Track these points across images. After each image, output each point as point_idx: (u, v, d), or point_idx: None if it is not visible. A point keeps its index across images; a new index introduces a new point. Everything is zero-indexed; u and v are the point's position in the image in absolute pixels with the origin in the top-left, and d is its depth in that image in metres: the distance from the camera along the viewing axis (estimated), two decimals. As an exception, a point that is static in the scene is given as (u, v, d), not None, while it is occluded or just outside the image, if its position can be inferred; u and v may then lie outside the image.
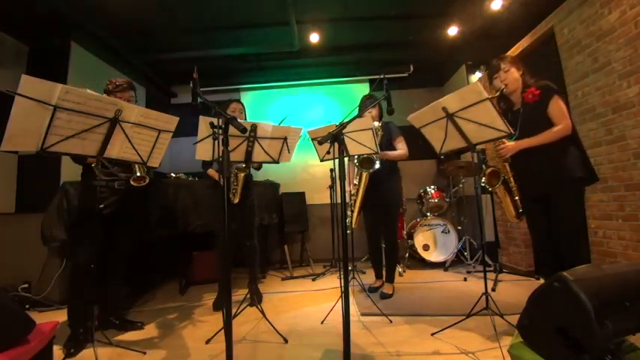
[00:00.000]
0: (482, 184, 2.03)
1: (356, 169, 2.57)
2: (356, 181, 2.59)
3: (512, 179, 1.97)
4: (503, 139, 1.88)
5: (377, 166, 2.43)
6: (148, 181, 1.94)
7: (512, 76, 1.90)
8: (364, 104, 2.65)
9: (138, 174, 1.92)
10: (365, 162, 2.48)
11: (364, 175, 2.54)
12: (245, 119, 2.71)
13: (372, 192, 2.63)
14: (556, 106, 1.77)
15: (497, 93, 1.91)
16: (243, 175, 2.33)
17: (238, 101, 2.73)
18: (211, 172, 2.64)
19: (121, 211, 2.08)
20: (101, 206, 1.92)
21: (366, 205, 2.70)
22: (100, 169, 1.86)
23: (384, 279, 2.81)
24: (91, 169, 1.98)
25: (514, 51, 3.44)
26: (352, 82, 4.89)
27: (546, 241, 1.89)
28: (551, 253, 1.87)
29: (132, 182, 1.91)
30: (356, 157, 2.52)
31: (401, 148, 2.64)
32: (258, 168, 2.70)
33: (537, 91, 1.82)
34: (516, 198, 2.00)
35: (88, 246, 1.91)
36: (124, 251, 2.20)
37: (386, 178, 2.63)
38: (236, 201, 2.38)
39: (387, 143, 2.62)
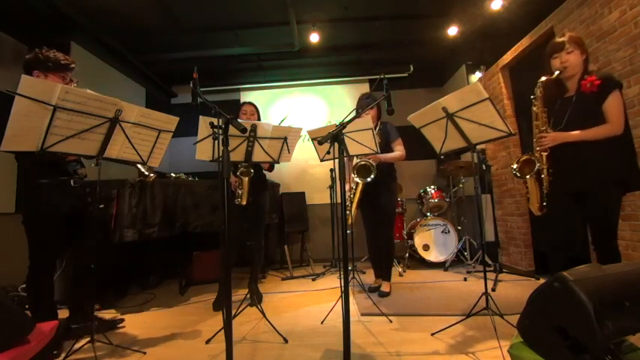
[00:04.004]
0: (513, 172, 1.82)
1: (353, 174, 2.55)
2: (353, 185, 2.56)
3: (545, 171, 1.79)
4: (547, 127, 1.76)
5: (372, 175, 2.40)
6: (152, 177, 1.96)
7: (575, 58, 1.71)
8: (361, 104, 2.65)
9: (150, 175, 1.96)
10: (362, 170, 2.45)
11: (360, 183, 2.51)
12: (258, 120, 2.71)
13: (369, 194, 2.64)
14: (614, 102, 1.63)
15: (554, 75, 1.72)
16: (247, 179, 2.32)
17: (250, 103, 2.73)
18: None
19: (80, 210, 1.93)
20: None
21: (365, 208, 2.70)
22: (59, 167, 1.80)
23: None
24: (41, 166, 1.78)
25: (514, 51, 3.44)
26: (352, 82, 4.89)
27: (565, 240, 1.80)
28: (565, 253, 1.80)
29: (147, 180, 1.96)
30: (355, 157, 2.51)
31: (399, 150, 2.66)
32: (270, 169, 2.70)
33: (598, 82, 1.65)
34: (545, 191, 1.82)
35: (49, 250, 1.83)
36: (86, 250, 2.00)
37: (383, 180, 2.63)
38: (244, 203, 2.37)
39: (385, 145, 2.61)
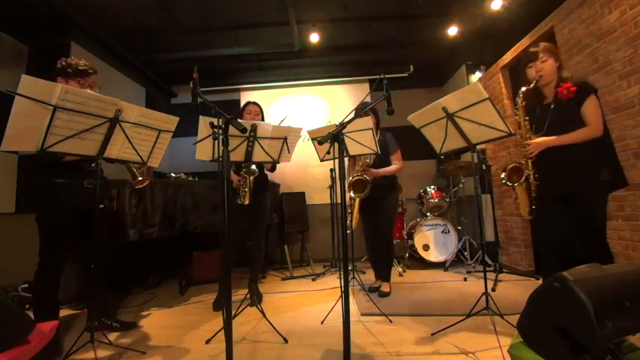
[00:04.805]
0: (503, 181, 1.90)
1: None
2: (351, 195, 2.56)
3: (532, 176, 1.87)
4: (531, 135, 1.82)
5: (367, 191, 2.41)
6: (147, 182, 1.93)
7: (549, 67, 1.80)
8: (359, 113, 2.64)
9: (140, 178, 1.90)
10: (358, 185, 2.44)
11: (357, 198, 2.51)
12: (262, 120, 2.72)
13: (370, 196, 2.64)
14: (591, 106, 1.71)
15: (533, 84, 1.80)
16: (252, 178, 2.33)
17: (255, 103, 2.74)
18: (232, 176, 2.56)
19: (91, 211, 1.91)
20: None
21: (365, 209, 2.70)
22: (64, 167, 1.82)
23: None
24: (55, 166, 1.82)
25: (514, 51, 3.44)
26: (352, 82, 4.89)
27: (555, 241, 1.84)
28: (556, 254, 1.83)
29: (136, 186, 1.89)
30: (353, 163, 2.51)
31: (396, 164, 2.66)
32: (272, 169, 2.70)
33: (574, 88, 1.72)
34: (532, 195, 1.90)
35: (56, 251, 1.85)
36: (100, 253, 2.01)
37: (384, 187, 2.63)
38: (246, 202, 2.37)
39: (384, 156, 2.59)
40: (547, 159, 1.80)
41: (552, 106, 1.81)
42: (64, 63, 1.87)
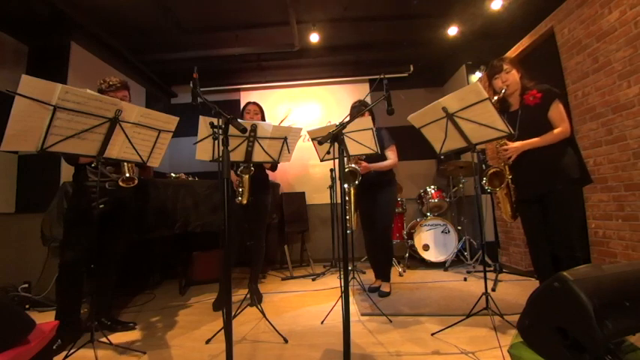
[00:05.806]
0: (486, 187, 1.99)
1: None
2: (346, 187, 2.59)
3: (509, 180, 1.97)
4: (506, 141, 1.88)
5: (357, 181, 2.45)
6: (136, 182, 1.92)
7: (513, 77, 1.91)
8: (352, 112, 2.65)
9: (127, 175, 1.90)
10: (348, 176, 2.46)
11: (351, 188, 2.56)
12: (263, 120, 2.72)
13: (367, 197, 2.65)
14: (557, 110, 1.81)
15: (501, 94, 1.90)
16: (247, 177, 2.33)
17: (255, 103, 2.74)
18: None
19: (112, 212, 2.06)
20: (93, 204, 1.91)
21: (363, 208, 2.71)
22: (91, 169, 1.91)
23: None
24: (82, 170, 1.98)
25: (514, 51, 3.44)
26: (352, 82, 4.88)
27: (542, 242, 1.90)
28: (547, 253, 1.87)
29: (120, 183, 1.89)
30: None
31: (391, 158, 2.65)
32: (272, 169, 2.70)
33: (539, 94, 1.83)
34: (513, 199, 2.00)
35: (77, 246, 1.92)
36: (114, 252, 2.16)
37: (380, 183, 2.64)
38: (244, 202, 2.37)
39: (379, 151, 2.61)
40: (523, 162, 1.88)
41: (520, 113, 1.91)
42: (101, 80, 2.09)
